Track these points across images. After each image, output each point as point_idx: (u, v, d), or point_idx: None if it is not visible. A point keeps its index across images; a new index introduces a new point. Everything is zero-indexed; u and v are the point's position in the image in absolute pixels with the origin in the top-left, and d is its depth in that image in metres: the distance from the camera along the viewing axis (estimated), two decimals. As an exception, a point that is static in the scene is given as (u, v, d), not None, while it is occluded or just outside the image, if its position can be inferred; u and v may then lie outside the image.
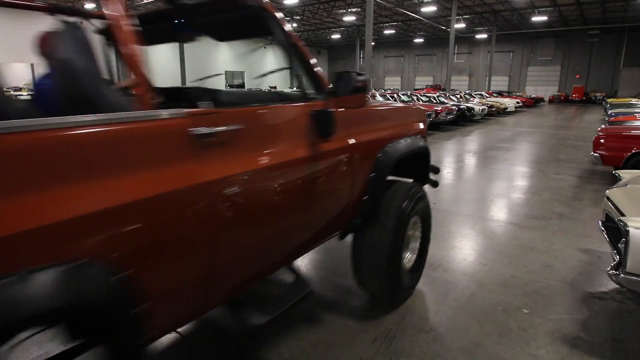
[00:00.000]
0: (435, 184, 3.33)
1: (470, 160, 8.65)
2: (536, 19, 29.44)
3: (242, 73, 40.26)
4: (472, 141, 11.72)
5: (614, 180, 3.76)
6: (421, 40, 43.55)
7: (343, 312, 2.77)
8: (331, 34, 41.45)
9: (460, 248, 3.92)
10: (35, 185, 1.01)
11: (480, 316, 2.73)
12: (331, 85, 2.09)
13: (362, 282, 2.73)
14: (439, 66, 44.63)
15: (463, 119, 16.74)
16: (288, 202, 1.80)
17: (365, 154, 2.33)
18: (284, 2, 25.59)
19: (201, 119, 1.40)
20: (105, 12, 1.35)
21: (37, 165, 1.02)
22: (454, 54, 36.96)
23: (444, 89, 32.66)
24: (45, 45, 1.74)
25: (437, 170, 3.30)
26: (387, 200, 2.55)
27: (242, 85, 37.93)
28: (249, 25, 1.97)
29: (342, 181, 2.19)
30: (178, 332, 2.54)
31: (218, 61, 37.30)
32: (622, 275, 2.36)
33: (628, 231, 2.31)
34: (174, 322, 1.50)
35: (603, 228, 3.04)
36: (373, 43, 31.21)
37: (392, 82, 48.50)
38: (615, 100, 20.45)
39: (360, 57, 44.65)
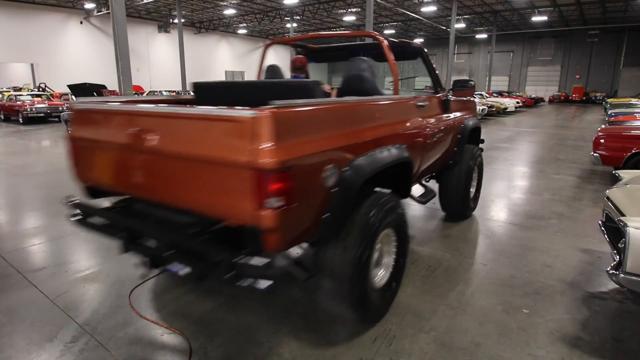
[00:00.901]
0: (481, 150, 4.94)
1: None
2: (536, 19, 29.43)
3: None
4: (472, 141, 11.71)
5: (614, 180, 3.76)
6: (421, 40, 43.49)
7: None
8: (331, 34, 41.43)
9: (461, 248, 3.92)
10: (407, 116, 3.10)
11: (480, 316, 2.74)
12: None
13: (446, 205, 4.65)
14: (439, 66, 44.54)
15: (463, 119, 16.65)
16: (436, 137, 3.63)
17: (458, 124, 4.24)
18: (284, 2, 25.58)
19: (417, 98, 3.32)
20: (384, 45, 3.28)
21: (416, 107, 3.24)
22: (454, 54, 36.95)
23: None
24: (297, 63, 3.88)
25: (482, 141, 5.12)
26: (464, 154, 4.41)
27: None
28: (413, 54, 4.07)
29: (449, 135, 4.03)
30: (179, 333, 2.55)
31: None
32: (622, 275, 2.36)
33: (628, 231, 2.31)
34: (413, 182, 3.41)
35: (603, 228, 3.03)
36: (373, 43, 31.08)
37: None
38: (615, 100, 20.44)
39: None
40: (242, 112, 1.80)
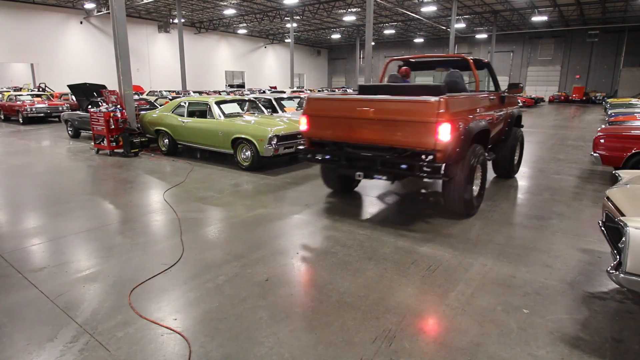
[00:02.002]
0: (522, 131, 6.95)
1: (470, 160, 8.64)
2: (536, 19, 29.43)
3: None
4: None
5: (614, 180, 3.76)
6: (421, 40, 43.51)
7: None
8: (331, 34, 41.43)
9: (461, 248, 3.91)
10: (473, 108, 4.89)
11: (480, 316, 2.73)
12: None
13: (497, 169, 6.65)
14: (439, 66, 44.57)
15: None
16: (498, 119, 5.71)
17: (510, 112, 6.25)
18: (284, 2, 25.58)
19: (490, 94, 5.52)
20: (470, 62, 5.75)
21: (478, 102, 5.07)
22: (454, 53, 36.90)
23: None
24: (404, 72, 6.03)
25: (522, 125, 7.10)
26: (511, 133, 6.39)
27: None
28: (482, 66, 6.18)
29: (505, 119, 6.03)
30: (182, 335, 2.55)
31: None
32: (622, 275, 2.36)
33: (628, 231, 2.31)
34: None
35: (603, 228, 3.03)
36: (373, 43, 31.03)
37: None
38: (615, 100, 20.42)
39: (360, 57, 44.58)
40: (432, 98, 4.04)
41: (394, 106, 4.28)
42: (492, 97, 5.48)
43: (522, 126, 7.08)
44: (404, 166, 4.34)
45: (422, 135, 4.09)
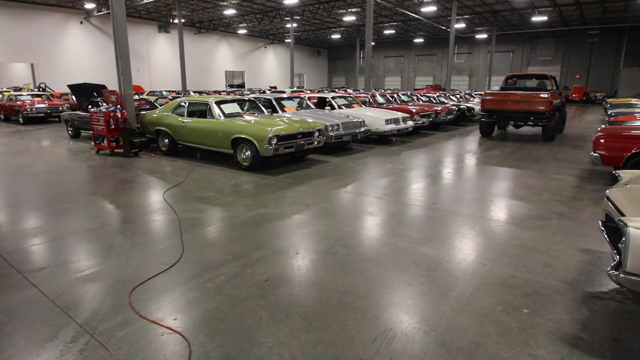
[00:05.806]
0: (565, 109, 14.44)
1: (471, 160, 8.66)
2: (536, 19, 29.41)
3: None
4: (472, 141, 11.72)
5: (614, 180, 3.76)
6: (421, 40, 43.51)
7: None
8: (331, 34, 41.42)
9: (461, 248, 3.92)
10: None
11: (480, 316, 2.74)
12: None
13: (545, 137, 11.82)
14: (439, 66, 44.58)
15: (463, 119, 16.74)
16: (559, 103, 12.84)
17: (562, 99, 13.99)
18: (284, 2, 25.58)
19: (555, 90, 12.62)
20: (548, 75, 13.12)
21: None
22: (454, 54, 36.94)
23: (443, 89, 32.65)
24: (513, 80, 13.92)
25: (565, 105, 14.92)
26: (563, 110, 13.86)
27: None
28: (553, 78, 13.06)
29: (561, 102, 13.41)
30: (182, 334, 2.55)
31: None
32: (622, 275, 2.36)
33: (628, 231, 2.31)
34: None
35: (603, 228, 3.03)
36: (373, 43, 31.03)
37: (392, 82, 48.45)
38: (615, 100, 20.40)
39: (360, 57, 44.59)
40: (544, 92, 11.25)
41: (529, 94, 11.07)
42: (558, 92, 12.16)
43: (565, 106, 13.92)
44: (532, 118, 11.19)
45: (540, 106, 10.85)
